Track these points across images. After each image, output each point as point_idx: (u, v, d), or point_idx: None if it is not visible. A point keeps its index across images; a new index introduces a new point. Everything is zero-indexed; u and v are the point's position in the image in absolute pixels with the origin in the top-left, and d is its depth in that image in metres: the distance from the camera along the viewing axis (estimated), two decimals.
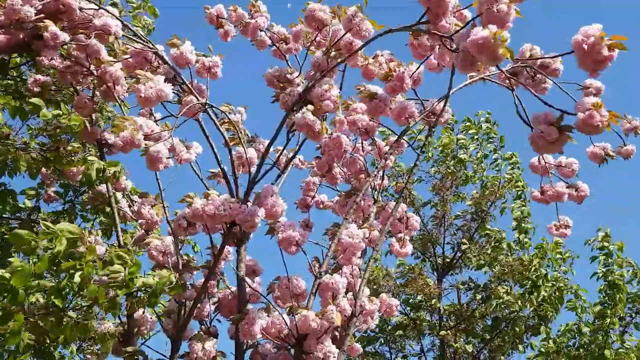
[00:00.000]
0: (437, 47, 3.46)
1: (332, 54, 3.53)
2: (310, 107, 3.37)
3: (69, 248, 2.80)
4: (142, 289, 2.95)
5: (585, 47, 2.47)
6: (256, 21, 3.85)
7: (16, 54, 3.80)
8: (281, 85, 3.77)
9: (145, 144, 3.09)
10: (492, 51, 2.47)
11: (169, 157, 3.43)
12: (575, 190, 3.61)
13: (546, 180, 3.69)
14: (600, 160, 3.52)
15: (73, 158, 3.64)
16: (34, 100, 3.47)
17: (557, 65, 3.31)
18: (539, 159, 3.59)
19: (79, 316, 3.01)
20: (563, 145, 2.69)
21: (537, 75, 3.22)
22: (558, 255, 8.64)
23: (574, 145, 2.86)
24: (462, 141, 9.52)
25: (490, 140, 9.57)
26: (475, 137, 9.61)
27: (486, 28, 2.50)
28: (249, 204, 3.28)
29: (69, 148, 3.78)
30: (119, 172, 3.78)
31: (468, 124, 9.66)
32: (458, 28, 3.00)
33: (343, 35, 3.47)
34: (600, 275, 8.30)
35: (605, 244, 8.36)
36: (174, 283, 3.00)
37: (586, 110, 2.56)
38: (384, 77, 3.60)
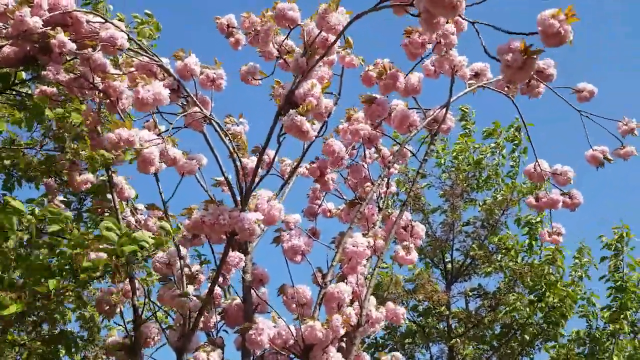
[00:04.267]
0: (433, 49, 3.48)
1: (310, 53, 3.49)
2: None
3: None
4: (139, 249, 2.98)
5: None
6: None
7: (22, 69, 3.84)
8: (255, 81, 3.85)
9: (140, 145, 3.10)
10: (446, 2, 2.40)
11: (161, 162, 3.45)
12: (570, 198, 3.69)
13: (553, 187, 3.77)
14: (598, 164, 3.59)
15: (80, 153, 3.65)
16: (36, 97, 3.51)
17: (551, 70, 3.40)
18: (534, 166, 3.69)
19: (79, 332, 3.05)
20: (532, 70, 2.61)
21: (532, 81, 3.33)
22: (576, 261, 8.59)
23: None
24: (480, 148, 9.48)
25: (514, 148, 9.49)
26: (498, 141, 9.54)
27: None
28: (247, 212, 3.28)
29: (74, 147, 3.79)
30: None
31: (494, 128, 9.59)
32: None
33: (318, 34, 3.44)
34: (609, 278, 8.23)
35: (618, 244, 8.27)
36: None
37: (544, 23, 2.49)
38: (377, 76, 3.63)
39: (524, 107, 3.29)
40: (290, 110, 3.29)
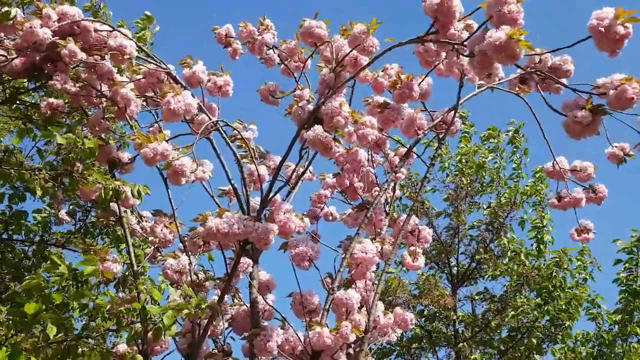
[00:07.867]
0: (445, 56, 3.47)
1: (339, 70, 3.53)
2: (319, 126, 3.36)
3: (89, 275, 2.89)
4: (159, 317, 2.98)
5: (602, 29, 2.55)
6: (263, 37, 3.89)
7: (26, 80, 3.84)
8: (276, 100, 3.85)
9: (171, 157, 3.08)
10: (511, 50, 2.56)
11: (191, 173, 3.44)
12: (593, 192, 3.56)
13: (562, 185, 3.62)
14: (619, 161, 3.46)
15: (88, 178, 3.65)
16: (51, 128, 3.50)
17: (567, 66, 3.31)
18: (553, 164, 3.57)
19: (96, 340, 3.05)
20: (598, 127, 2.79)
21: (547, 79, 3.22)
22: (579, 262, 8.56)
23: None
24: (480, 151, 9.47)
25: (514, 150, 9.48)
26: (497, 144, 9.51)
27: (500, 29, 2.58)
28: (262, 221, 3.27)
29: (81, 170, 3.80)
30: (138, 192, 3.80)
31: (491, 132, 9.57)
32: (467, 34, 3.05)
33: (349, 52, 3.47)
34: (623, 280, 8.20)
35: (635, 248, 8.23)
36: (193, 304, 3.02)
37: (618, 87, 2.64)
38: (391, 86, 3.62)
39: (537, 105, 3.16)
40: (315, 125, 3.32)
